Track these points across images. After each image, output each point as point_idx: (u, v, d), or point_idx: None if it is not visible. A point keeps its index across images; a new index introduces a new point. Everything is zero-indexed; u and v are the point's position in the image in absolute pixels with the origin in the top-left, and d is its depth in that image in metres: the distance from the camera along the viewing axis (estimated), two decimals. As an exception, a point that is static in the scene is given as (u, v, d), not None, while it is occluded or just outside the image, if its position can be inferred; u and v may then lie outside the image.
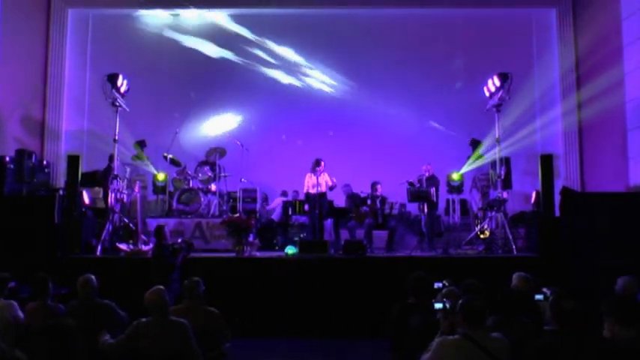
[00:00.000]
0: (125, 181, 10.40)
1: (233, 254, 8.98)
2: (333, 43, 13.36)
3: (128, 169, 11.01)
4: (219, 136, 11.71)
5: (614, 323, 3.69)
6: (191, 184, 10.99)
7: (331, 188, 10.43)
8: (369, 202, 10.46)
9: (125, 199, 10.41)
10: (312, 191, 10.33)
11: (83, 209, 9.82)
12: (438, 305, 4.17)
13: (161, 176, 11.73)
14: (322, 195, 10.34)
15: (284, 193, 12.01)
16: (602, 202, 8.70)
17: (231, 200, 11.46)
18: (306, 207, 10.50)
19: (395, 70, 13.18)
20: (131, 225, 10.02)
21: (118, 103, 10.05)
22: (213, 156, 11.21)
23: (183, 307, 5.27)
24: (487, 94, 10.48)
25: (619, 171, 11.10)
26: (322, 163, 10.42)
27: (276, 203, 11.88)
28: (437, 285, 5.16)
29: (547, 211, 9.15)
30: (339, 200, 11.57)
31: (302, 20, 13.43)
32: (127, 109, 10.41)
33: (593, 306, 3.94)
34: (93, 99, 12.38)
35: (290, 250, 9.05)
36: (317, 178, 10.29)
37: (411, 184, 10.37)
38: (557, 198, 8.96)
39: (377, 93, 13.14)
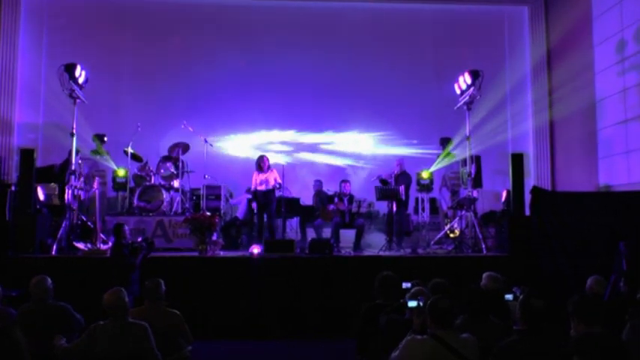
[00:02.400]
0: (83, 177, 10.21)
1: (196, 253, 8.92)
2: (295, 37, 13.34)
3: (86, 164, 10.81)
4: (183, 130, 11.55)
5: (579, 322, 3.78)
6: (153, 181, 10.86)
7: (279, 187, 10.43)
8: (336, 200, 10.48)
9: (83, 196, 10.24)
10: (260, 188, 10.36)
11: (38, 206, 9.62)
12: (412, 303, 4.19)
13: (121, 172, 11.55)
14: (270, 192, 10.35)
15: (249, 190, 11.95)
16: (572, 201, 8.85)
17: (194, 197, 11.37)
18: (254, 205, 10.55)
19: (362, 67, 13.23)
20: (89, 223, 9.86)
21: (75, 95, 9.86)
22: (176, 151, 11.08)
23: (144, 308, 5.21)
24: (458, 91, 10.59)
25: (589, 170, 11.35)
26: (265, 159, 10.48)
27: (241, 199, 11.82)
28: (405, 285, 5.19)
29: (517, 211, 9.30)
30: (307, 197, 11.58)
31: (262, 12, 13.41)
32: (86, 102, 10.23)
33: (563, 305, 4.02)
34: (49, 90, 12.12)
35: (256, 250, 9.01)
36: (265, 175, 10.36)
37: (382, 181, 10.43)
38: (528, 197, 9.10)
39: (343, 89, 13.19)
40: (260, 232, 10.30)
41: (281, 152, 13.04)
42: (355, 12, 13.42)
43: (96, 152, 11.57)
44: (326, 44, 13.30)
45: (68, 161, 10.02)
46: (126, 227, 7.77)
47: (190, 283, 8.15)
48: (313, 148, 13.28)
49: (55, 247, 8.93)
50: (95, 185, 10.44)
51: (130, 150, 11.12)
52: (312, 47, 13.31)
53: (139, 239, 8.11)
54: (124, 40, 13.14)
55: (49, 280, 5.40)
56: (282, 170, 10.61)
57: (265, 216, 10.42)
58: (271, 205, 10.35)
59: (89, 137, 11.54)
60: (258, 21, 13.32)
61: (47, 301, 5.31)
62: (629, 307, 4.57)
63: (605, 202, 8.87)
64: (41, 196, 10.11)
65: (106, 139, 11.71)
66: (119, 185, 11.57)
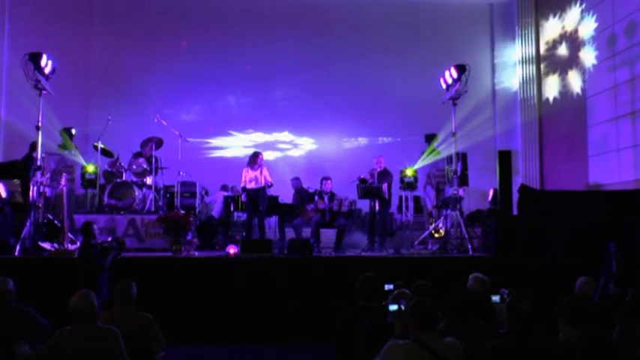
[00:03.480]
0: (49, 172, 10.09)
1: (169, 254, 8.87)
2: (274, 30, 13.31)
3: (53, 160, 10.67)
4: (156, 124, 11.46)
5: (567, 325, 3.80)
6: (124, 177, 10.76)
7: (268, 186, 10.45)
8: (316, 198, 10.47)
9: (49, 193, 10.11)
10: (250, 186, 10.37)
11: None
12: (393, 307, 4.19)
13: (91, 168, 11.43)
14: (261, 190, 10.35)
15: (224, 187, 11.90)
16: (561, 200, 8.95)
17: (168, 195, 11.32)
18: (244, 197, 10.58)
19: (342, 61, 13.26)
20: (56, 222, 9.75)
21: (41, 86, 9.70)
22: (149, 146, 11.00)
23: (114, 312, 5.15)
24: (444, 86, 10.63)
25: (579, 169, 11.46)
26: (260, 157, 10.47)
27: (217, 197, 11.78)
28: (388, 287, 5.20)
29: (504, 210, 9.36)
30: (287, 195, 11.56)
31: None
32: (52, 93, 10.10)
33: (551, 307, 4.04)
34: (12, 81, 11.97)
35: (233, 250, 8.98)
36: (255, 172, 10.35)
37: (362, 180, 10.43)
38: (516, 196, 9.17)
39: (323, 84, 13.20)
40: (248, 231, 10.37)
41: (259, 148, 12.97)
42: (335, 4, 13.41)
43: (63, 147, 11.44)
44: (304, 38, 13.31)
45: (30, 156, 9.85)
46: (95, 226, 7.69)
47: (163, 285, 8.07)
48: (292, 144, 13.27)
49: (18, 247, 8.80)
50: (62, 182, 10.31)
51: (100, 145, 11.01)
52: (290, 40, 13.30)
53: (109, 239, 8.05)
54: (93, 29, 13.04)
55: (11, 283, 5.29)
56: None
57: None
58: (262, 203, 10.38)
59: (56, 131, 11.41)
60: (235, 10, 13.27)
61: (9, 305, 5.21)
62: (618, 308, 4.61)
63: (595, 202, 8.97)
64: (3, 193, 9.99)
65: (74, 132, 11.58)
66: (88, 182, 11.46)
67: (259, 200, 10.32)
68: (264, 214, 10.51)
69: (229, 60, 13.24)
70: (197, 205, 11.20)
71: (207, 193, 11.95)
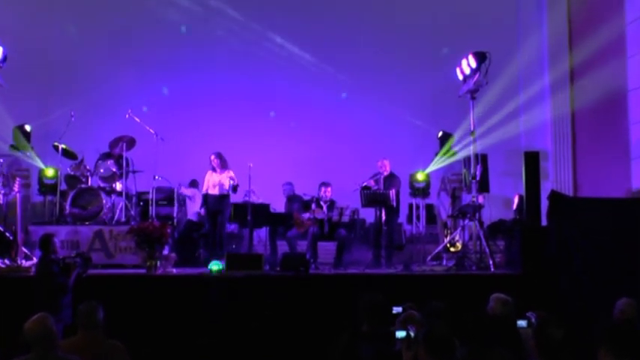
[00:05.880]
0: (0, 177, 10.09)
1: (143, 271, 8.88)
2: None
3: (4, 162, 10.67)
4: (128, 120, 11.44)
5: (607, 354, 3.78)
6: (90, 182, 10.77)
7: (234, 189, 10.51)
8: (313, 206, 10.46)
9: (0, 201, 10.11)
10: (213, 192, 10.52)
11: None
12: (401, 334, 4.17)
13: (50, 172, 11.45)
14: (223, 197, 10.48)
15: (194, 184, 11.85)
16: (598, 209, 8.88)
17: (141, 203, 11.34)
18: (202, 211, 10.74)
19: (349, 49, 13.28)
20: (8, 234, 9.75)
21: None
22: (120, 147, 10.99)
23: (77, 339, 5.12)
24: (460, 77, 10.65)
25: (620, 172, 11.41)
26: (219, 157, 10.61)
27: (195, 192, 11.69)
28: (396, 310, 5.21)
29: (532, 220, 9.35)
30: (279, 204, 11.55)
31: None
32: (4, 85, 10.11)
33: (586, 334, 4.02)
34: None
35: (215, 265, 8.97)
36: (217, 177, 10.51)
37: (365, 187, 10.41)
38: (545, 204, 9.15)
39: (328, 74, 13.22)
40: (213, 244, 10.50)
41: (248, 148, 12.97)
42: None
43: (17, 147, 11.44)
44: (302, 23, 13.33)
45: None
46: (56, 239, 7.68)
47: (136, 307, 8.08)
48: (287, 144, 13.23)
49: (-37, 263, 8.81)
50: (16, 188, 10.32)
51: (61, 145, 11.00)
52: (294, 23, 13.37)
53: (73, 254, 8.01)
54: (55, 12, 12.99)
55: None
56: (249, 170, 10.55)
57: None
58: (223, 212, 10.50)
59: (9, 129, 11.41)
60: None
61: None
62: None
63: (638, 211, 8.93)
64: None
65: (29, 129, 11.58)
66: (47, 188, 11.47)
67: (220, 208, 10.53)
68: (225, 224, 10.70)
69: (216, 44, 13.28)
70: (175, 215, 11.18)
71: (184, 202, 11.91)
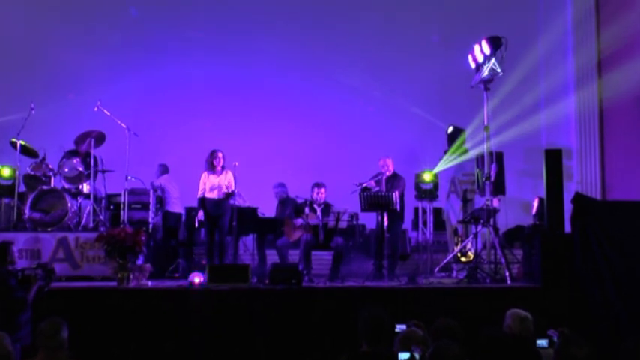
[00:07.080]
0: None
1: (114, 284, 8.87)
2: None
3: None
4: (96, 113, 11.42)
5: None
6: (53, 184, 10.73)
7: (229, 195, 10.47)
8: (306, 210, 10.45)
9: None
10: (210, 196, 10.42)
11: None
12: (404, 356, 4.17)
13: (6, 171, 11.45)
14: (222, 201, 10.45)
15: (165, 169, 11.75)
16: (628, 214, 8.91)
17: (112, 207, 11.35)
18: (200, 215, 10.58)
19: (350, 34, 13.30)
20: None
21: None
22: (87, 143, 10.98)
23: (37, 360, 5.12)
24: (473, 65, 10.64)
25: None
26: (220, 157, 10.51)
27: (168, 180, 11.65)
28: (400, 327, 5.22)
29: (553, 226, 9.34)
30: (269, 208, 11.55)
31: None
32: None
33: (614, 353, 4.02)
34: None
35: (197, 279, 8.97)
36: (216, 179, 10.45)
37: (365, 189, 10.40)
38: (568, 208, 9.16)
39: (327, 64, 13.26)
40: (210, 253, 10.41)
41: (234, 144, 12.98)
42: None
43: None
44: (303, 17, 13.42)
45: None
46: (14, 248, 7.62)
47: (105, 324, 8.08)
48: (277, 140, 13.23)
49: None
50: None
51: (19, 141, 10.97)
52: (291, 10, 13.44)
53: (33, 265, 7.96)
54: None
55: None
56: (234, 170, 10.54)
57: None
58: (223, 217, 10.42)
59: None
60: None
61: None
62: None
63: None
64: None
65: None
66: (3, 189, 11.44)
67: (220, 214, 10.43)
68: (227, 231, 10.54)
69: (197, 30, 13.33)
70: (150, 220, 11.16)
71: (162, 204, 11.89)
